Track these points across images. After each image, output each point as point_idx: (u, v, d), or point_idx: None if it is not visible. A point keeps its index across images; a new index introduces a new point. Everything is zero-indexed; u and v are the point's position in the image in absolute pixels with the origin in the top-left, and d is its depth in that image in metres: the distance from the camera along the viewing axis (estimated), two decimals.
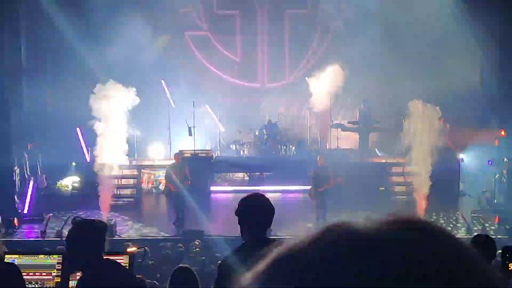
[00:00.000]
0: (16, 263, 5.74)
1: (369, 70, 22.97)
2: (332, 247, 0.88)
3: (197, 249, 14.55)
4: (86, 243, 4.63)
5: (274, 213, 5.08)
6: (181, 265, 7.63)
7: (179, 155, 18.80)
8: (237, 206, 5.09)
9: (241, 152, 22.95)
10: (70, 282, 5.90)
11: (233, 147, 23.19)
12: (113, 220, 17.24)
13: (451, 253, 0.89)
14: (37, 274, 6.18)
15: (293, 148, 22.96)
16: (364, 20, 23.31)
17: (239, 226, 5.09)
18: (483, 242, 6.54)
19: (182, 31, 24.91)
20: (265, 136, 22.80)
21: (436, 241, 0.89)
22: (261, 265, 0.92)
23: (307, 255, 0.88)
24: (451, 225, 18.21)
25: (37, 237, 16.76)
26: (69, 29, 21.76)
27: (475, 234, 7.20)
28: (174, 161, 18.55)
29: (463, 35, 22.06)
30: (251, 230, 4.98)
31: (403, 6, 22.63)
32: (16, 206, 18.93)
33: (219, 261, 5.57)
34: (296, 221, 17.54)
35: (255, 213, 4.99)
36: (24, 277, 5.57)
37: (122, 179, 21.71)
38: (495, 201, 19.99)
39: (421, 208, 18.29)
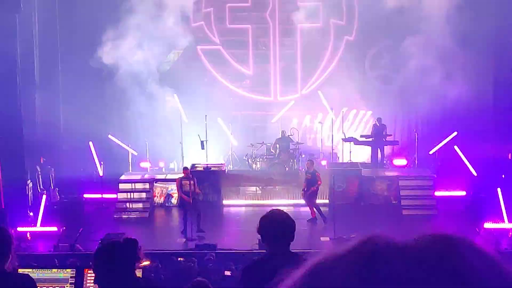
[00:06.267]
0: None
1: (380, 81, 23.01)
2: (369, 259, 0.89)
3: (210, 264, 14.50)
4: (117, 264, 4.57)
5: (295, 227, 5.12)
6: (198, 278, 7.59)
7: (187, 169, 19.06)
8: (258, 225, 5.12)
9: (254, 165, 22.96)
10: None
11: (245, 160, 23.21)
12: (125, 234, 17.24)
13: (488, 272, 0.89)
14: None
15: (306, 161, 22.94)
16: (376, 32, 23.42)
17: (264, 243, 5.12)
18: None
19: (194, 45, 24.97)
20: (278, 150, 22.80)
21: (473, 258, 0.90)
22: (297, 273, 0.92)
23: (343, 265, 0.89)
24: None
25: (50, 251, 16.77)
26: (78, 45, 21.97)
27: None
28: (183, 174, 18.82)
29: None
30: (275, 246, 5.02)
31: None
32: (29, 220, 18.97)
33: (243, 268, 5.60)
34: (308, 234, 17.53)
35: (276, 229, 5.03)
36: None
37: (134, 193, 21.75)
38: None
39: (432, 222, 18.21)
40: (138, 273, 5.94)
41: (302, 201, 21.35)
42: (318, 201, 20.76)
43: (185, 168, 19.18)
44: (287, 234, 5.06)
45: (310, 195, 19.51)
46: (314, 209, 19.44)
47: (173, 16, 23.42)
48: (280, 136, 23.12)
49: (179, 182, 18.74)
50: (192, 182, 18.65)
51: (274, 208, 5.48)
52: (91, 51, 22.62)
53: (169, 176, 22.38)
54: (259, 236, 5.22)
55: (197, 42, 24.91)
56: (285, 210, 5.39)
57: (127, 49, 22.69)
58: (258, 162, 22.94)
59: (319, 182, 19.42)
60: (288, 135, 23.27)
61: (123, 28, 22.66)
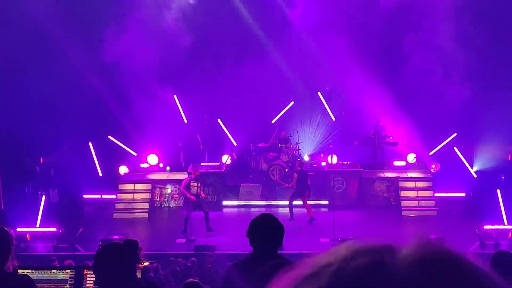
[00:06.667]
0: None
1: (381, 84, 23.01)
2: None
3: (209, 265, 14.50)
4: (118, 265, 4.58)
5: (283, 232, 5.10)
6: (190, 279, 7.60)
7: (197, 170, 19.17)
8: (247, 228, 5.12)
9: (253, 166, 22.92)
10: None
11: (245, 161, 23.19)
12: (126, 235, 17.24)
13: None
14: None
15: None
16: (375, 32, 23.44)
17: (251, 246, 5.12)
18: (509, 259, 6.18)
19: (194, 45, 24.92)
20: (277, 151, 22.76)
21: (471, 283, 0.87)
22: None
23: None
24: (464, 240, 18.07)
25: (49, 252, 16.77)
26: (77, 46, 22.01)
27: (499, 250, 6.91)
28: (192, 174, 18.93)
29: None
30: (261, 249, 5.02)
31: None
32: (28, 220, 18.97)
33: (226, 267, 5.63)
34: (308, 235, 17.53)
35: (264, 233, 5.03)
36: None
37: (133, 193, 21.76)
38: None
39: (432, 223, 18.22)
40: (138, 273, 5.95)
41: (301, 202, 21.40)
42: (317, 202, 20.91)
43: (194, 170, 19.26)
44: (274, 239, 5.04)
45: (294, 194, 19.63)
46: (293, 209, 19.39)
47: (174, 14, 23.43)
48: (280, 137, 23.08)
49: (187, 183, 18.71)
50: (199, 184, 18.77)
51: (264, 212, 5.47)
52: (91, 50, 22.60)
53: (169, 177, 22.39)
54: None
55: (198, 41, 24.85)
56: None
57: (127, 48, 22.65)
58: (258, 163, 22.91)
59: (291, 183, 19.71)
60: (288, 136, 23.24)
61: (124, 27, 22.64)
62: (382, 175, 22.18)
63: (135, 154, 23.21)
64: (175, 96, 23.85)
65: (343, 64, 23.29)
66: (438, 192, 21.34)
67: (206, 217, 18.41)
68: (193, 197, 18.41)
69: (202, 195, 18.94)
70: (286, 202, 20.94)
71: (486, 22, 22.39)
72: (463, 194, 21.36)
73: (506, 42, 22.69)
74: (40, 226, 18.91)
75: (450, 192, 21.43)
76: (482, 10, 22.53)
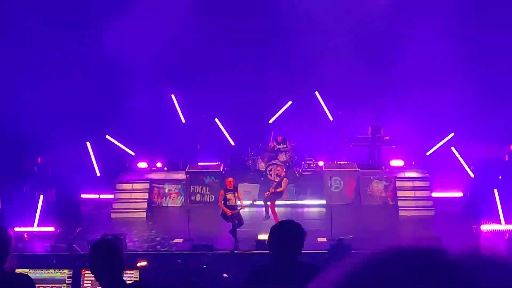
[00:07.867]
0: None
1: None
2: None
3: (205, 266, 14.49)
4: (105, 264, 4.60)
5: (304, 237, 5.04)
6: (191, 280, 7.63)
7: (232, 180, 18.08)
8: (268, 235, 5.06)
9: (251, 166, 22.93)
10: None
11: (243, 161, 23.18)
12: (123, 234, 17.24)
13: None
14: None
15: (303, 162, 22.98)
16: (374, 32, 23.46)
17: (271, 252, 5.05)
18: None
19: (192, 44, 24.92)
20: (275, 151, 22.77)
21: None
22: None
23: None
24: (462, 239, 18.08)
25: (47, 251, 16.76)
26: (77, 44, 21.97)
27: None
28: (227, 184, 18.10)
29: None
30: (283, 256, 4.96)
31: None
32: (26, 220, 18.96)
33: (250, 271, 5.51)
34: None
35: (285, 241, 4.96)
36: None
37: (131, 193, 21.75)
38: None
39: (429, 223, 18.22)
40: (135, 273, 5.96)
41: (299, 201, 21.42)
42: (314, 201, 20.94)
43: (229, 179, 18.07)
44: (296, 246, 4.98)
45: (273, 196, 19.05)
46: (269, 208, 18.72)
47: (172, 13, 23.42)
48: (277, 140, 23.02)
49: (223, 195, 17.74)
50: (236, 194, 17.77)
51: (286, 219, 5.38)
52: (88, 49, 22.58)
53: (167, 177, 22.39)
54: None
55: (196, 41, 24.84)
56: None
57: (125, 47, 22.63)
58: (255, 163, 22.91)
59: (283, 188, 19.24)
60: (285, 138, 23.21)
61: (122, 25, 22.62)
62: (379, 175, 22.18)
63: (132, 153, 23.20)
64: (172, 95, 23.84)
65: (340, 63, 23.30)
66: (435, 192, 21.35)
67: (237, 226, 17.49)
68: (229, 212, 17.49)
69: (242, 205, 17.78)
70: (285, 202, 20.96)
71: (485, 20, 22.41)
72: (461, 194, 21.37)
73: (505, 40, 22.71)
74: (38, 226, 18.90)
75: (448, 192, 21.44)
76: (482, 7, 22.55)
